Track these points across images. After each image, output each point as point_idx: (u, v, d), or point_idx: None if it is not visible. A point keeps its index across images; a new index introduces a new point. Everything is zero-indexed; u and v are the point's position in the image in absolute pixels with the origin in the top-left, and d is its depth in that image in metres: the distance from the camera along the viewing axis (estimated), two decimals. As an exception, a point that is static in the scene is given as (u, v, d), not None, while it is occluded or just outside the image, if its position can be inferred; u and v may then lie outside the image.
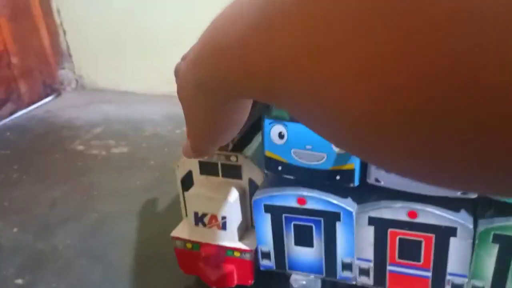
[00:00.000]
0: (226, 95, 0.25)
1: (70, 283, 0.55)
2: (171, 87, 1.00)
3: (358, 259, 0.45)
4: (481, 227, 0.40)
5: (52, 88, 1.11)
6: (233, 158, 0.49)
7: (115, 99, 1.09)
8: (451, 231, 0.40)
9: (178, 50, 1.15)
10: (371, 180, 0.41)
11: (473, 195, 0.39)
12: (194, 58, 0.24)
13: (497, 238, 0.40)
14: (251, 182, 0.49)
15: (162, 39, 1.06)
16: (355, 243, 0.44)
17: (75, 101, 1.10)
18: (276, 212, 0.45)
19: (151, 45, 1.08)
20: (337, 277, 0.46)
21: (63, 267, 0.58)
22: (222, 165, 0.50)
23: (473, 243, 0.40)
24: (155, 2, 1.03)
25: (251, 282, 0.51)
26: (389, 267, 0.44)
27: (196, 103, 0.28)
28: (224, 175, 0.50)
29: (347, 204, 0.43)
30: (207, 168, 0.50)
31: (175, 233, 0.52)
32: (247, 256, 0.50)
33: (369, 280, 0.45)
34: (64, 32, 1.11)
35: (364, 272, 0.45)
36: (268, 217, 0.46)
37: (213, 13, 0.23)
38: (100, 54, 1.12)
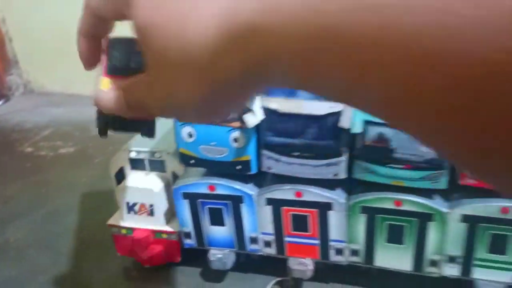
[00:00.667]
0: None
1: (21, 270, 0.63)
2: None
3: (262, 233, 0.54)
4: (351, 202, 0.50)
5: (0, 94, 1.16)
6: (157, 155, 0.58)
7: (63, 102, 1.15)
8: (328, 206, 0.50)
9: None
10: (264, 168, 0.51)
11: (344, 176, 0.49)
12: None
13: (364, 210, 0.50)
14: (173, 174, 0.58)
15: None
16: (258, 221, 0.54)
17: (23, 106, 1.16)
18: (192, 198, 0.54)
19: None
20: (247, 249, 0.56)
21: (15, 257, 0.65)
22: (149, 160, 0.58)
23: (348, 215, 0.51)
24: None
25: (178, 259, 0.60)
26: (286, 239, 0.54)
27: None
28: (150, 169, 0.59)
29: (248, 189, 0.52)
30: (136, 164, 0.59)
31: (111, 221, 0.60)
32: (173, 237, 0.58)
33: (272, 250, 0.55)
34: (10, 40, 1.16)
35: (267, 244, 0.55)
36: (186, 203, 0.55)
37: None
38: (47, 59, 1.17)
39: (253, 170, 0.51)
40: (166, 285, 0.59)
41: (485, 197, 0.46)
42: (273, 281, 0.57)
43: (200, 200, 0.54)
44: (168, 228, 0.58)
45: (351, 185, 0.51)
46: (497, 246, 0.47)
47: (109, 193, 0.76)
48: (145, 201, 0.57)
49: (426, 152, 0.45)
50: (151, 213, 0.58)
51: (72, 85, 1.17)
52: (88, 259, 0.64)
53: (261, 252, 0.56)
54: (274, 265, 0.56)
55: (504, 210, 0.45)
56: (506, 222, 0.46)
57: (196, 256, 0.59)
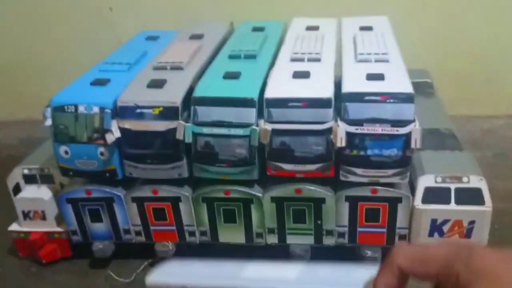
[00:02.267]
0: None
1: None
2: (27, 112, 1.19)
3: (132, 225, 0.69)
4: (194, 194, 0.66)
5: None
6: (46, 170, 0.71)
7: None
8: (178, 199, 0.66)
9: (30, 79, 1.34)
10: (127, 174, 0.66)
11: (186, 175, 0.65)
12: None
13: (204, 200, 0.66)
14: (61, 184, 0.72)
15: (16, 70, 1.24)
16: (128, 215, 0.69)
17: None
18: (74, 202, 0.68)
19: (5, 75, 1.25)
20: (122, 239, 0.70)
21: None
22: (39, 175, 0.72)
23: (193, 205, 0.67)
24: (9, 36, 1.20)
25: (70, 253, 0.73)
26: (151, 227, 0.69)
27: None
28: (41, 182, 0.72)
29: (117, 191, 0.67)
30: (29, 179, 0.72)
31: (12, 227, 0.73)
32: (64, 235, 0.72)
33: (142, 238, 0.70)
34: None
35: (138, 233, 0.70)
36: (69, 206, 0.69)
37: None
38: None
39: (119, 176, 0.66)
40: (61, 276, 0.73)
41: (283, 183, 0.64)
42: (145, 263, 0.72)
43: (80, 203, 0.68)
44: (58, 229, 0.72)
45: (197, 181, 0.67)
46: (298, 218, 0.65)
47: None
48: (38, 208, 0.71)
49: (240, 153, 0.62)
50: (43, 217, 0.71)
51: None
52: (-5, 262, 0.76)
53: (134, 240, 0.70)
54: (145, 250, 0.71)
55: (297, 190, 0.63)
56: (300, 199, 0.64)
57: (82, 249, 0.73)
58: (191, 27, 0.90)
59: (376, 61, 0.67)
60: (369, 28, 0.81)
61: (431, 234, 0.63)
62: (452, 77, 1.05)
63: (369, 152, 0.60)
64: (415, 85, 0.63)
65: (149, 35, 0.89)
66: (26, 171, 0.72)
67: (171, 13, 1.11)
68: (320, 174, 0.62)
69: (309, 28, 0.84)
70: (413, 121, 0.58)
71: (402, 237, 0.64)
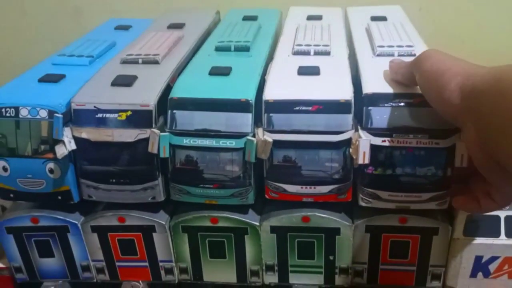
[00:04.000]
0: None
1: None
2: None
3: (93, 260, 0.55)
4: (172, 222, 0.52)
5: None
6: (-17, 190, 0.56)
7: None
8: (152, 228, 0.52)
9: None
10: (85, 197, 0.51)
11: (161, 199, 0.50)
12: None
13: (184, 229, 0.52)
14: (2, 208, 0.57)
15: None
16: (87, 248, 0.54)
17: None
18: (16, 232, 0.53)
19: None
20: (80, 278, 0.56)
21: None
22: (-25, 197, 0.56)
23: (171, 235, 0.52)
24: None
25: (13, 294, 0.58)
26: (117, 263, 0.55)
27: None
28: (-23, 206, 0.57)
29: (73, 218, 0.53)
30: (-39, 201, 0.57)
31: None
32: (5, 273, 0.57)
33: (105, 277, 0.56)
34: None
35: (100, 270, 0.55)
36: (11, 237, 0.54)
37: None
38: None
39: (75, 199, 0.51)
40: (2, 323, 0.58)
41: (288, 208, 0.50)
42: (110, 307, 0.57)
43: (25, 233, 0.53)
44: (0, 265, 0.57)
45: (176, 206, 0.53)
46: (305, 252, 0.52)
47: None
48: (-28, 238, 0.56)
49: (231, 171, 0.48)
50: (-21, 250, 0.56)
51: None
52: None
53: (95, 279, 0.56)
54: (110, 291, 0.57)
55: (305, 219, 0.50)
56: (308, 230, 0.50)
57: (33, 289, 0.58)
58: (170, 16, 0.76)
59: (400, 55, 0.54)
60: (382, 18, 0.68)
61: (473, 275, 0.50)
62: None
63: (398, 170, 0.46)
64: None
65: (119, 24, 0.75)
66: (-43, 191, 0.56)
67: (146, 1, 0.97)
68: (334, 198, 0.48)
69: (310, 18, 0.71)
70: (458, 130, 0.45)
71: (436, 277, 0.51)
